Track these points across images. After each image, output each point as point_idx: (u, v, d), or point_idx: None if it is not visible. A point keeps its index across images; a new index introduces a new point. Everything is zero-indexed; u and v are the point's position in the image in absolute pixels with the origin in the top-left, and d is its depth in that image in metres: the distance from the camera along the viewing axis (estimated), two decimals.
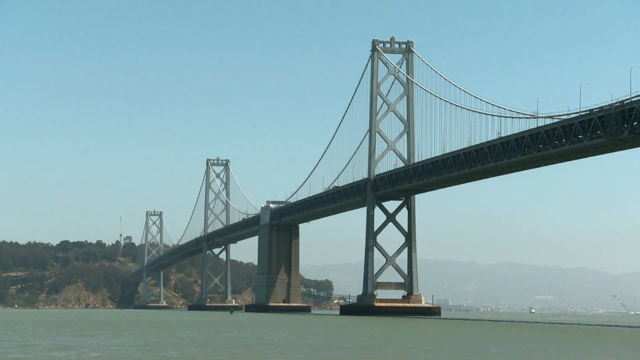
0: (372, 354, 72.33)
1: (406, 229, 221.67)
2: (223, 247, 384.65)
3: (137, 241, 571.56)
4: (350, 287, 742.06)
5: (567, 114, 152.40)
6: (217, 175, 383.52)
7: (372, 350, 76.48)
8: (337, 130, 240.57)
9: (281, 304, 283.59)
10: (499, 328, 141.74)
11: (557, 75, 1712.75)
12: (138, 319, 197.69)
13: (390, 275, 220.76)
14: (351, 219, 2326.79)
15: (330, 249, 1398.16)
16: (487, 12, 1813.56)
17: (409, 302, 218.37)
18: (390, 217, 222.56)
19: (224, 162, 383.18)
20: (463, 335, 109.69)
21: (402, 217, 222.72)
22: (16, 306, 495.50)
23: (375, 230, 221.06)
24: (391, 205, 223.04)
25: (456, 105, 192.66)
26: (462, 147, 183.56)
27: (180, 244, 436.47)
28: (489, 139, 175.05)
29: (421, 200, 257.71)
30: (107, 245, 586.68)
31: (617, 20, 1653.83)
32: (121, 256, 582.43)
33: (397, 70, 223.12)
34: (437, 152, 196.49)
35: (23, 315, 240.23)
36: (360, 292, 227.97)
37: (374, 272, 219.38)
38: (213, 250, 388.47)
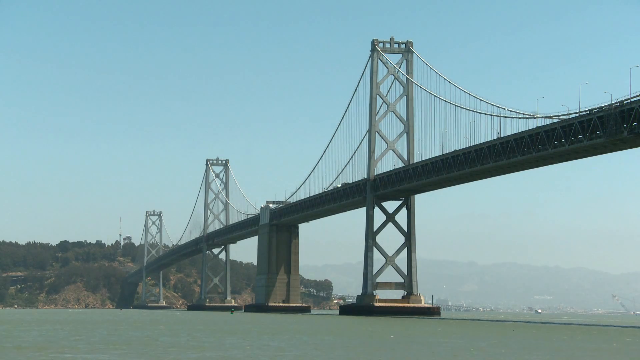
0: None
1: (406, 229, 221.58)
2: (222, 247, 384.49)
3: (136, 241, 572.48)
4: (349, 287, 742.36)
5: (567, 114, 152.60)
6: (217, 175, 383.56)
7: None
8: (336, 130, 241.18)
9: (281, 304, 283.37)
10: (524, 329, 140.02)
11: (556, 75, 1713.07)
12: (168, 318, 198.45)
13: (389, 275, 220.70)
14: (351, 219, 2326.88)
15: (330, 249, 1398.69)
16: (487, 12, 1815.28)
17: (408, 302, 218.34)
18: (390, 217, 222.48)
19: (224, 162, 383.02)
20: (504, 336, 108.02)
21: (402, 217, 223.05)
22: (15, 306, 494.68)
23: (374, 231, 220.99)
24: (391, 205, 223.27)
25: (456, 105, 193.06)
26: (461, 147, 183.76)
27: (179, 244, 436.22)
28: (489, 139, 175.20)
29: (421, 200, 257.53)
30: (106, 245, 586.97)
31: (616, 20, 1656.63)
32: (121, 256, 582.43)
33: (396, 70, 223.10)
34: (437, 152, 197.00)
35: (39, 315, 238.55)
36: (359, 292, 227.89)
37: (374, 272, 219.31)
38: (212, 250, 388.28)
